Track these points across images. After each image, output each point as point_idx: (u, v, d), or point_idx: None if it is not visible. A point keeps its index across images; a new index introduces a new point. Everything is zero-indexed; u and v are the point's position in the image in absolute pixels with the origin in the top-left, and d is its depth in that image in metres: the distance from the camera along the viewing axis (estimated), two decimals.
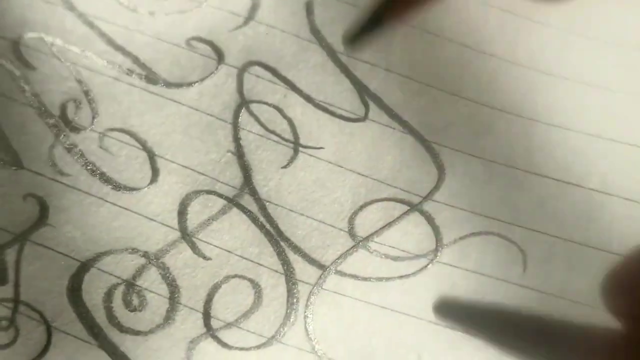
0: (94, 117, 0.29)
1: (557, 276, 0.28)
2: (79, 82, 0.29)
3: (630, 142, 0.30)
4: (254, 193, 0.29)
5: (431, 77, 0.31)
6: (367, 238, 0.29)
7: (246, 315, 0.28)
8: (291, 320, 0.28)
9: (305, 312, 0.28)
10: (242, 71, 0.30)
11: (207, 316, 0.27)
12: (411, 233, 0.29)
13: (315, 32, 0.31)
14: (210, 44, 0.31)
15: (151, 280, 0.28)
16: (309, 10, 0.31)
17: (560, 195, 0.29)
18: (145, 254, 0.28)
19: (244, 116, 0.30)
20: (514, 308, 0.27)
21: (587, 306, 0.27)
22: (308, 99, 0.30)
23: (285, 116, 0.30)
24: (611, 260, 0.23)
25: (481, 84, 0.31)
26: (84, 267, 0.28)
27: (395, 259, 0.28)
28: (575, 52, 0.31)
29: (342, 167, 0.29)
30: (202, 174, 0.29)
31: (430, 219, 0.29)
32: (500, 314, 0.27)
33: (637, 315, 0.22)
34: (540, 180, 0.29)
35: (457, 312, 0.27)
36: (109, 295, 0.27)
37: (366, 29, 0.30)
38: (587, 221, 0.29)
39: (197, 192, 0.29)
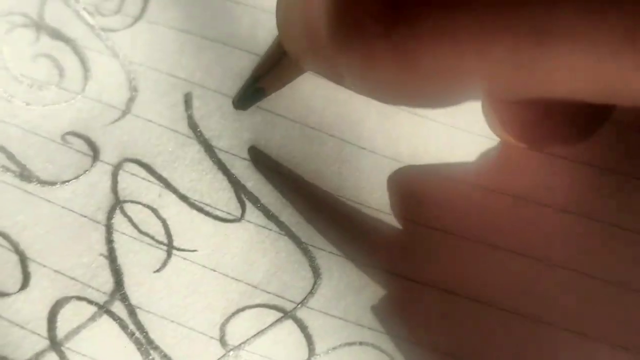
0: None
1: None
2: None
3: None
4: (125, 299, 0.28)
5: (309, 175, 0.30)
6: (238, 347, 0.28)
7: None
8: None
9: None
10: (117, 169, 0.30)
11: None
12: (283, 342, 0.28)
13: (193, 126, 0.30)
14: (86, 139, 0.30)
15: None
16: (188, 103, 0.31)
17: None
18: None
19: (117, 217, 0.29)
20: None
21: None
22: (183, 198, 0.30)
23: (159, 217, 0.30)
24: None
25: (360, 181, 0.30)
26: None
27: None
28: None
29: (215, 270, 0.29)
30: (73, 279, 0.28)
31: (303, 327, 0.29)
32: None
33: None
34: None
35: None
36: None
37: (247, 92, 0.30)
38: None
39: (68, 298, 0.28)
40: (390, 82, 0.23)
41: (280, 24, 0.27)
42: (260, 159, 0.30)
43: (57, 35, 0.32)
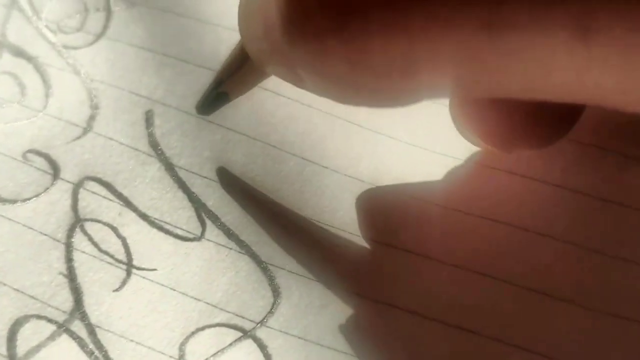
0: None
1: None
2: None
3: None
4: (84, 318, 0.28)
5: (270, 194, 0.30)
6: None
7: None
8: None
9: None
10: (77, 187, 0.30)
11: None
12: None
13: (154, 144, 0.30)
14: (47, 157, 0.30)
15: None
16: (149, 121, 0.31)
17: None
18: None
19: (77, 235, 0.29)
20: None
21: None
22: (143, 216, 0.30)
23: (119, 235, 0.30)
24: None
25: (322, 200, 0.30)
26: None
27: None
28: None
29: (175, 289, 0.29)
30: (33, 297, 0.28)
31: (262, 347, 0.29)
32: None
33: None
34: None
35: None
36: None
37: (210, 97, 0.29)
38: None
39: (28, 317, 0.28)
40: (344, 79, 0.23)
41: (241, 27, 0.26)
42: (227, 180, 0.30)
43: (19, 52, 0.32)
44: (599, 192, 0.31)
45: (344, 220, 0.30)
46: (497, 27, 0.20)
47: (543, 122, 0.27)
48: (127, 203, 0.30)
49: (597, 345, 0.29)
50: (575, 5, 0.20)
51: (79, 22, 0.32)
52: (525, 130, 0.28)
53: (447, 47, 0.21)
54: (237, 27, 0.27)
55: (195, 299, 0.29)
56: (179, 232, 0.30)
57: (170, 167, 0.30)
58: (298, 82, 0.25)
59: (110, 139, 0.30)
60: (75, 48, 0.32)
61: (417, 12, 0.21)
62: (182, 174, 0.30)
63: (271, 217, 0.30)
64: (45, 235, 0.29)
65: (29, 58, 0.32)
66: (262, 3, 0.24)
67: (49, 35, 0.32)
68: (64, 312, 0.29)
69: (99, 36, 0.32)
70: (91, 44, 0.32)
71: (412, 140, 0.31)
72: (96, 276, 0.29)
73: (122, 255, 0.29)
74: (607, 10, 0.20)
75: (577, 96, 0.22)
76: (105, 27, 0.32)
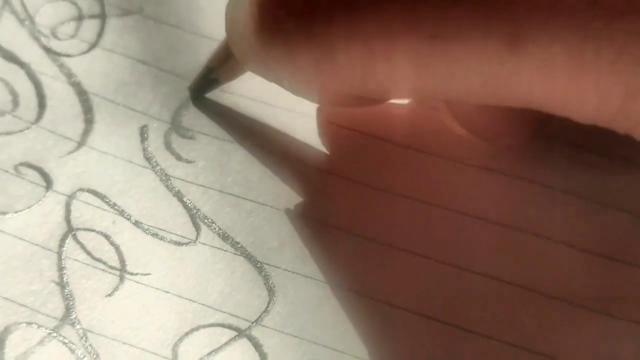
0: None
1: None
2: None
3: None
4: (75, 323, 0.28)
5: (266, 196, 0.30)
6: None
7: None
8: None
9: None
10: (70, 198, 0.30)
11: None
12: None
13: (148, 158, 0.30)
14: (40, 170, 0.30)
15: None
16: (143, 135, 0.31)
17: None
18: None
19: (70, 244, 0.29)
20: None
21: None
22: (138, 224, 0.29)
23: (113, 243, 0.29)
24: None
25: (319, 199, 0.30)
26: None
27: None
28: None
29: (169, 292, 0.28)
30: (23, 306, 0.28)
31: (257, 346, 0.28)
32: None
33: None
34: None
35: None
36: None
37: (202, 82, 0.31)
38: None
39: (17, 324, 0.27)
40: (312, 79, 0.26)
41: (226, 29, 0.28)
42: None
43: (10, 57, 0.32)
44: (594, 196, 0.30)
45: (339, 219, 0.29)
46: (440, 35, 0.23)
47: (523, 117, 0.28)
48: (121, 212, 0.29)
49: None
50: (507, 20, 0.22)
51: (73, 29, 0.33)
52: (507, 123, 0.29)
53: (399, 52, 0.24)
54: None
55: (190, 300, 0.28)
56: (174, 237, 0.29)
57: (165, 178, 0.30)
58: (278, 82, 0.27)
59: (105, 152, 0.30)
60: (69, 56, 0.32)
61: (373, 18, 0.24)
62: (177, 183, 0.30)
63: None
64: (37, 245, 0.29)
65: (21, 64, 0.32)
66: (242, 9, 0.26)
67: (42, 40, 0.32)
68: (54, 318, 0.28)
69: (93, 45, 0.32)
70: (85, 52, 0.32)
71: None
72: (88, 283, 0.28)
73: (115, 262, 0.29)
74: (534, 23, 0.22)
75: (512, 101, 0.24)
76: (100, 36, 0.33)
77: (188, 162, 0.30)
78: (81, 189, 0.30)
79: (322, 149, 0.31)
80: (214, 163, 0.30)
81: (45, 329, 0.28)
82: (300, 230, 0.29)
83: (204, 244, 0.29)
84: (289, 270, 0.28)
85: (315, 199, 0.30)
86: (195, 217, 0.29)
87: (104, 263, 0.29)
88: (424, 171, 0.31)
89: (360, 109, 0.30)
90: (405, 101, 0.31)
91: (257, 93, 0.32)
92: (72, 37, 0.33)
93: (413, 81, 0.25)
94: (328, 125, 0.31)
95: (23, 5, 0.33)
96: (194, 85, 0.32)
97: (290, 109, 0.31)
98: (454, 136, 0.30)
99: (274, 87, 0.29)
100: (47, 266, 0.29)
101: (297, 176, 0.30)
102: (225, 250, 0.29)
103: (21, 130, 0.30)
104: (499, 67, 0.23)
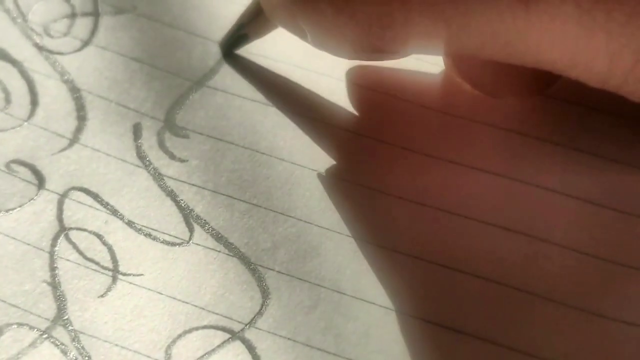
0: None
1: None
2: None
3: None
4: (67, 324, 0.27)
5: (260, 197, 0.29)
6: None
7: None
8: None
9: None
10: (63, 197, 0.29)
11: None
12: None
13: (141, 156, 0.30)
14: (32, 167, 0.29)
15: None
16: (137, 133, 0.30)
17: (385, 324, 0.27)
18: None
19: (62, 244, 0.29)
20: None
21: None
22: (130, 224, 0.29)
23: (105, 243, 0.29)
24: None
25: (311, 201, 0.29)
26: None
27: None
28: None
29: (161, 293, 0.28)
30: (15, 306, 0.27)
31: (251, 348, 0.27)
32: None
33: None
34: (368, 307, 0.28)
35: None
36: None
37: (232, 38, 0.31)
38: None
39: (9, 325, 0.27)
40: (333, 28, 0.26)
41: None
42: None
43: (3, 55, 0.32)
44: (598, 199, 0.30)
45: (332, 221, 0.29)
46: None
47: (527, 72, 0.27)
48: (114, 211, 0.29)
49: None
50: None
51: (66, 26, 0.32)
52: (511, 78, 0.29)
53: (415, 3, 0.25)
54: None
55: (183, 302, 0.28)
56: (167, 237, 0.29)
57: (158, 177, 0.30)
58: (301, 36, 0.28)
59: (97, 150, 0.30)
60: (61, 54, 0.32)
61: None
62: (170, 182, 0.30)
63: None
64: (29, 244, 0.29)
65: (13, 62, 0.32)
66: None
67: (35, 37, 0.32)
68: (46, 319, 0.28)
69: (86, 43, 0.32)
70: (78, 50, 0.32)
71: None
72: (81, 283, 0.28)
73: (107, 262, 0.29)
74: None
75: (523, 59, 0.25)
76: (93, 34, 0.32)
77: (181, 161, 0.30)
78: (74, 188, 0.29)
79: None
80: (208, 162, 0.30)
81: (37, 330, 0.27)
82: (298, 230, 0.29)
83: (197, 244, 0.29)
84: (282, 272, 0.28)
85: (304, 200, 0.29)
86: (188, 217, 0.29)
87: (97, 263, 0.28)
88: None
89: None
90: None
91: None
92: (65, 34, 0.32)
93: (427, 32, 0.25)
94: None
95: (15, 3, 0.33)
96: (225, 40, 0.32)
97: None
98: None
99: (302, 49, 0.29)
100: (39, 266, 0.28)
101: (285, 179, 0.30)
102: (219, 251, 0.29)
103: (13, 128, 0.30)
104: (512, 22, 0.24)
